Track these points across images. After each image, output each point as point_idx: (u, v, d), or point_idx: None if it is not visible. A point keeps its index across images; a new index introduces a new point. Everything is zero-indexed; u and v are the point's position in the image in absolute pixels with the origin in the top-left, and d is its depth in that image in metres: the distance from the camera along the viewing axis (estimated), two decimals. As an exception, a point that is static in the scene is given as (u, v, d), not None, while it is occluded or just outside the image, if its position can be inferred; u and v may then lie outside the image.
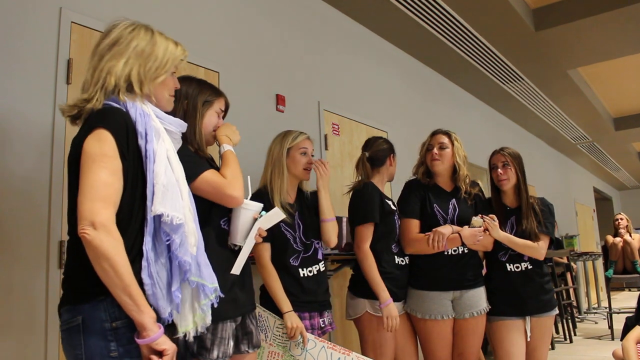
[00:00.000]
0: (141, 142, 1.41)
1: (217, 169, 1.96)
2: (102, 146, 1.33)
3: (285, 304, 2.29)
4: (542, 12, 5.05)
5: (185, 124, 1.65)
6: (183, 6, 3.06)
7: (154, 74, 1.50)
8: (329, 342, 2.35)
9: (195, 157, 1.83)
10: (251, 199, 2.36)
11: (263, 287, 2.38)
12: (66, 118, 1.49)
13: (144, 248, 1.37)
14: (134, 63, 1.47)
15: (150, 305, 1.36)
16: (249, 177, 2.14)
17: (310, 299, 2.40)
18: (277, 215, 1.99)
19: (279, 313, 2.30)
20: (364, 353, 2.68)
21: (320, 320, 2.46)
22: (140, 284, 1.34)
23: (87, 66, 1.50)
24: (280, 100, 3.73)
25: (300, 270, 2.39)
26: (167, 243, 1.41)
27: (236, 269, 1.89)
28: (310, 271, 2.42)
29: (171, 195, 1.42)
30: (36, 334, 2.23)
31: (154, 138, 1.43)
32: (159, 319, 1.39)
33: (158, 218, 1.40)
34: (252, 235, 1.89)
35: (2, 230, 2.19)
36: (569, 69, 6.32)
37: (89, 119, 1.40)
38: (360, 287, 2.68)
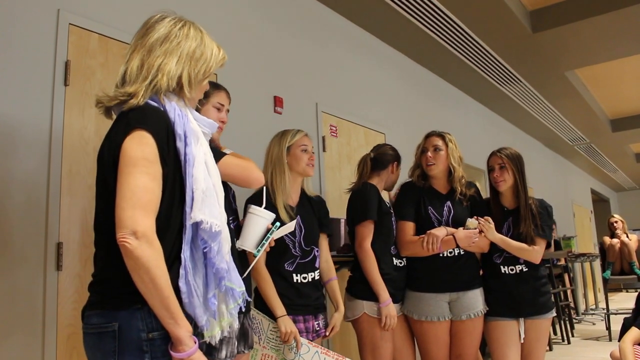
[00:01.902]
0: (180, 144, 1.36)
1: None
2: (144, 149, 1.28)
3: (279, 308, 2.28)
4: (539, 14, 5.06)
5: (216, 125, 1.60)
6: (180, 8, 3.05)
7: (201, 77, 1.46)
8: (322, 347, 2.34)
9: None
10: (251, 199, 2.38)
11: (257, 290, 2.37)
12: (100, 109, 1.43)
13: (182, 256, 1.33)
14: (185, 64, 1.42)
15: (187, 314, 1.34)
16: (264, 187, 2.16)
17: (304, 302, 2.40)
18: (291, 227, 2.04)
19: (272, 316, 2.30)
20: (362, 354, 2.69)
21: (315, 323, 2.45)
22: (177, 291, 1.31)
23: (127, 56, 1.43)
24: (278, 102, 3.73)
25: (294, 275, 2.38)
26: (204, 250, 1.38)
27: (245, 274, 1.92)
28: (304, 277, 2.41)
29: (209, 201, 1.37)
30: (34, 335, 2.22)
31: (192, 141, 1.38)
32: (196, 327, 1.36)
33: (196, 225, 1.35)
34: (267, 244, 1.93)
35: (0, 232, 2.19)
36: (566, 71, 6.34)
37: (128, 116, 1.33)
38: (358, 289, 2.68)
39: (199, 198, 1.34)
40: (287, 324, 2.26)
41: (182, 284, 1.32)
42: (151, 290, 1.23)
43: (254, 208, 1.95)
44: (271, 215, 1.95)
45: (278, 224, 1.95)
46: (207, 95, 2.01)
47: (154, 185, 1.29)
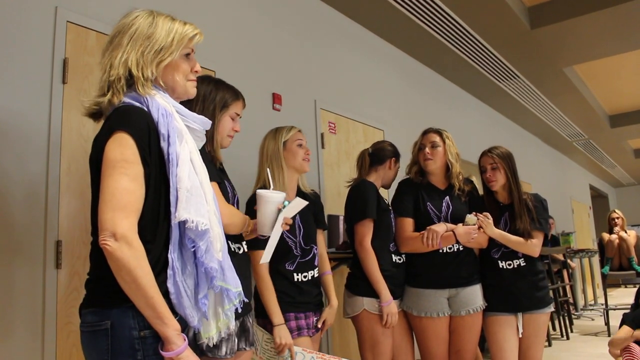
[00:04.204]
0: (163, 144, 1.35)
1: (226, 177, 2.01)
2: (123, 151, 1.28)
3: (276, 316, 2.25)
4: (537, 10, 5.06)
5: (210, 122, 1.58)
6: (179, 4, 3.05)
7: (156, 57, 1.41)
8: (318, 352, 2.32)
9: (207, 165, 1.79)
10: (250, 198, 2.35)
11: (257, 296, 2.35)
12: (91, 118, 1.45)
13: (169, 256, 1.33)
14: (131, 49, 1.39)
15: (177, 315, 1.33)
16: (268, 169, 2.13)
17: (306, 299, 2.40)
18: (299, 203, 1.94)
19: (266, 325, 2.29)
20: (361, 351, 2.69)
21: (315, 319, 2.46)
22: (166, 293, 1.31)
23: None
24: (276, 98, 3.73)
25: (295, 274, 2.37)
26: (193, 250, 1.36)
27: (265, 258, 1.90)
28: (305, 276, 2.40)
29: (195, 200, 1.36)
30: (33, 333, 2.22)
31: (176, 140, 1.37)
32: (185, 328, 1.36)
33: (183, 224, 1.34)
34: (278, 225, 1.87)
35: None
36: (565, 67, 6.34)
37: (110, 119, 1.35)
38: (358, 285, 2.69)
39: (183, 197, 1.34)
40: (282, 334, 2.23)
41: (170, 285, 1.32)
42: (134, 291, 1.24)
43: (261, 194, 1.88)
44: (280, 196, 1.88)
45: (287, 202, 1.89)
46: (226, 105, 1.97)
47: (135, 186, 1.28)
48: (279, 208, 1.88)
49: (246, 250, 2.06)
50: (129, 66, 1.38)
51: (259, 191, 1.90)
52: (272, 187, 1.98)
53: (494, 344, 2.79)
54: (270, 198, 1.87)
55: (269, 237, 1.90)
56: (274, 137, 2.46)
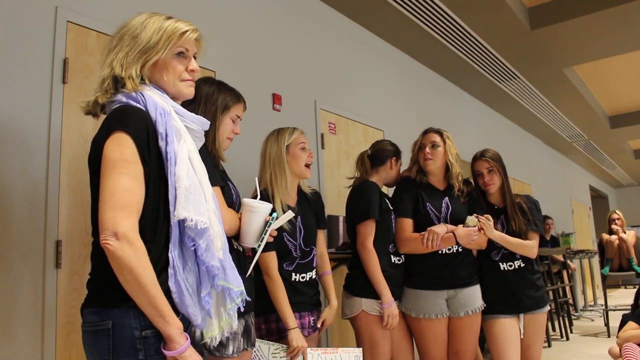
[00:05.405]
0: (161, 143, 1.35)
1: (228, 178, 2.00)
2: (123, 151, 1.28)
3: (291, 320, 2.23)
4: (537, 10, 5.06)
5: (208, 122, 1.56)
6: (179, 5, 3.06)
7: (141, 57, 1.40)
8: (320, 348, 2.34)
9: (210, 169, 1.73)
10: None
11: (258, 295, 2.34)
12: (92, 116, 1.46)
13: (170, 255, 1.33)
14: (119, 50, 1.40)
15: (180, 314, 1.33)
16: (256, 178, 2.12)
17: (301, 299, 2.38)
18: (288, 215, 1.94)
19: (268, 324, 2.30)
20: (360, 352, 2.69)
21: (311, 318, 2.45)
22: (168, 292, 1.31)
23: None
24: (276, 99, 3.73)
25: (292, 274, 2.36)
26: (193, 248, 1.36)
27: (249, 271, 1.89)
28: (303, 277, 2.39)
29: (194, 199, 1.36)
30: (33, 333, 2.22)
31: (174, 139, 1.37)
32: (187, 327, 1.36)
33: (182, 223, 1.34)
34: (266, 237, 1.86)
35: (-1, 230, 2.19)
36: (565, 67, 6.34)
37: (108, 119, 1.35)
38: (356, 286, 2.68)
39: (181, 196, 1.33)
40: (298, 338, 2.22)
41: (171, 284, 1.32)
42: (137, 290, 1.24)
43: (249, 204, 1.86)
44: (268, 207, 1.87)
45: (275, 214, 1.88)
46: (227, 107, 1.97)
47: (135, 185, 1.28)
48: (265, 220, 1.87)
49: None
50: (113, 67, 1.39)
51: (245, 200, 1.88)
52: (258, 196, 1.95)
53: (496, 346, 2.77)
54: (257, 208, 1.85)
55: (253, 248, 1.89)
56: (277, 140, 2.41)
